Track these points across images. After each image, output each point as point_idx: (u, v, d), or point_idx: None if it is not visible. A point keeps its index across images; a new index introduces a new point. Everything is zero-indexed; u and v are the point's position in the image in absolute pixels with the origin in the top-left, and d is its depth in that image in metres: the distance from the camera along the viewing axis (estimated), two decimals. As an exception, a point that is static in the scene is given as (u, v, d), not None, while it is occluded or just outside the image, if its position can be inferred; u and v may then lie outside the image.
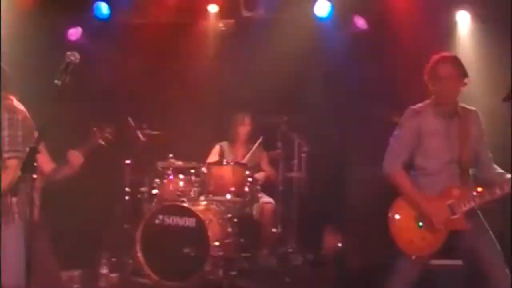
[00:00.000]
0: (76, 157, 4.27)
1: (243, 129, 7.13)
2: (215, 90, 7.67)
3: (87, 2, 7.50)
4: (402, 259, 4.19)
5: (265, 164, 7.19)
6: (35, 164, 3.48)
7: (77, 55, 3.67)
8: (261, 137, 6.98)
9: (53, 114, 3.51)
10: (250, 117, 7.13)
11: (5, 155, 3.89)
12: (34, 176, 3.53)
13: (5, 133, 3.89)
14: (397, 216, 4.22)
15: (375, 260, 5.38)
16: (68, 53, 3.67)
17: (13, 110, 3.95)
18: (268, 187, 7.06)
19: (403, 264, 4.22)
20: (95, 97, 7.32)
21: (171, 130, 7.02)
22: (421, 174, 4.26)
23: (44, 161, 4.20)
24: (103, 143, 4.43)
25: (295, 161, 6.93)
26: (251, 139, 7.10)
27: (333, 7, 7.33)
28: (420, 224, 4.15)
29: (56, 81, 3.57)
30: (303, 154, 6.92)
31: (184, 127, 7.40)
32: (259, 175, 6.99)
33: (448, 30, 7.17)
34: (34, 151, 3.49)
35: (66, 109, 4.26)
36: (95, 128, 4.39)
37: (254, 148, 6.96)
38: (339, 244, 6.50)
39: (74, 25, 7.56)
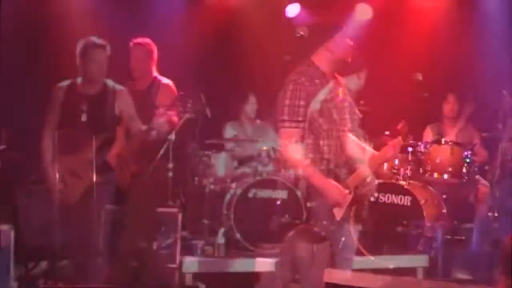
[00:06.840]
0: None
1: (447, 107, 6.86)
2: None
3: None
4: None
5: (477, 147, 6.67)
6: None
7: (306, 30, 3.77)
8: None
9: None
10: (455, 96, 6.81)
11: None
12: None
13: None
14: None
15: None
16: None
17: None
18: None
19: None
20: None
21: (386, 107, 6.80)
22: None
23: None
24: None
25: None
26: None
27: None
28: None
29: None
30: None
31: (398, 105, 7.16)
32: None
33: None
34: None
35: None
36: None
37: (460, 125, 6.75)
38: None
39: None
